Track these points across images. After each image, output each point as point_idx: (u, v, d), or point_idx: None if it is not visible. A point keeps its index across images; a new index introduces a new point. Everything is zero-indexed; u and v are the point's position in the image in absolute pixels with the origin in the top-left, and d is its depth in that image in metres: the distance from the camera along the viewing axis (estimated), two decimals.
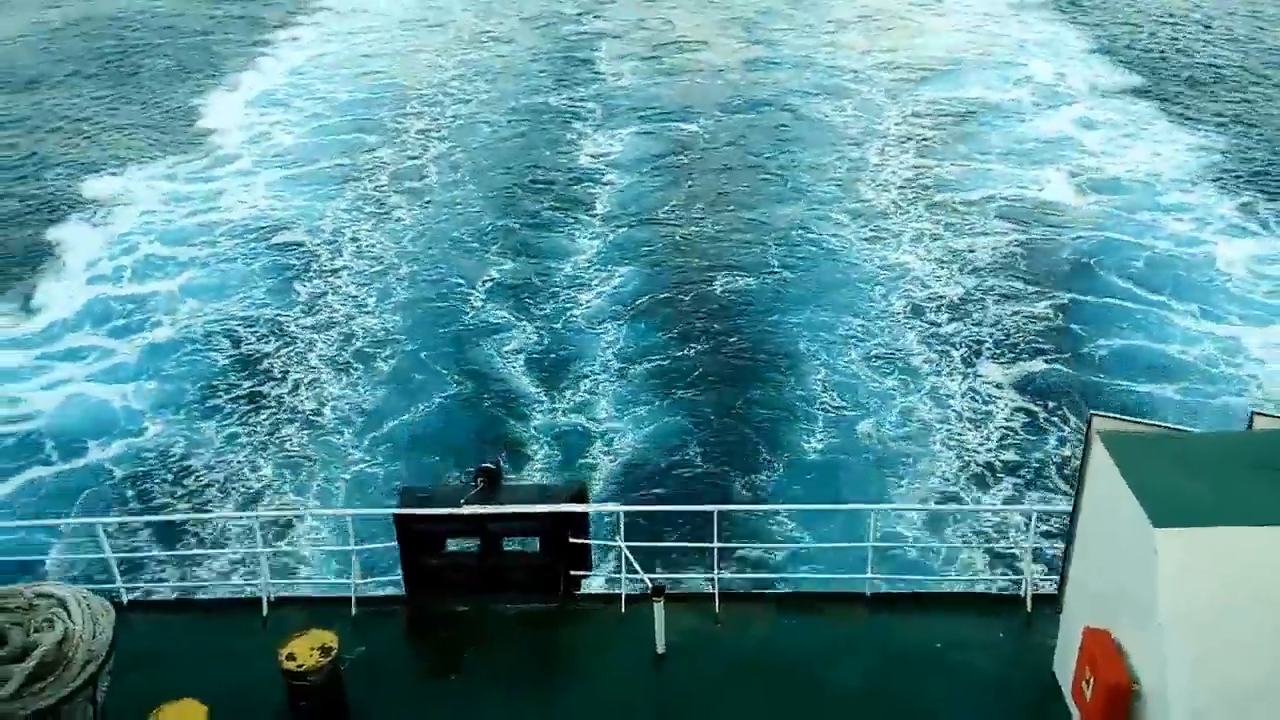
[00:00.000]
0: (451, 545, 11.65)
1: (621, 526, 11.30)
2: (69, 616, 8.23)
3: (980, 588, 16.54)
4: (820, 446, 21.58)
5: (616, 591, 11.16)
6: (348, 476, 21.34)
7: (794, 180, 33.04)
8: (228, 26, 49.93)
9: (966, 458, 21.16)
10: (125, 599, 11.57)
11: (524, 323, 26.09)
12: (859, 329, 25.25)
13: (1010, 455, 21.21)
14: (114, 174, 34.40)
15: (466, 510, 11.00)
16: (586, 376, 23.94)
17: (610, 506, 14.04)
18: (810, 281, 27.49)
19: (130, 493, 20.98)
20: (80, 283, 28.10)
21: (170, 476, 21.46)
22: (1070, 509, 9.30)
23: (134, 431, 22.86)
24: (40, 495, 21.02)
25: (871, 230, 29.69)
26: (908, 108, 38.09)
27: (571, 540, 11.23)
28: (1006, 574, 16.71)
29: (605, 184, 33.28)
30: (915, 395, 22.98)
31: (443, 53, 45.72)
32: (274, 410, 23.29)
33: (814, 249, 28.91)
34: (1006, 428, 21.95)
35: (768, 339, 25.07)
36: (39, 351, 25.48)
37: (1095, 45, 43.63)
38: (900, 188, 32.18)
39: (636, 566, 10.82)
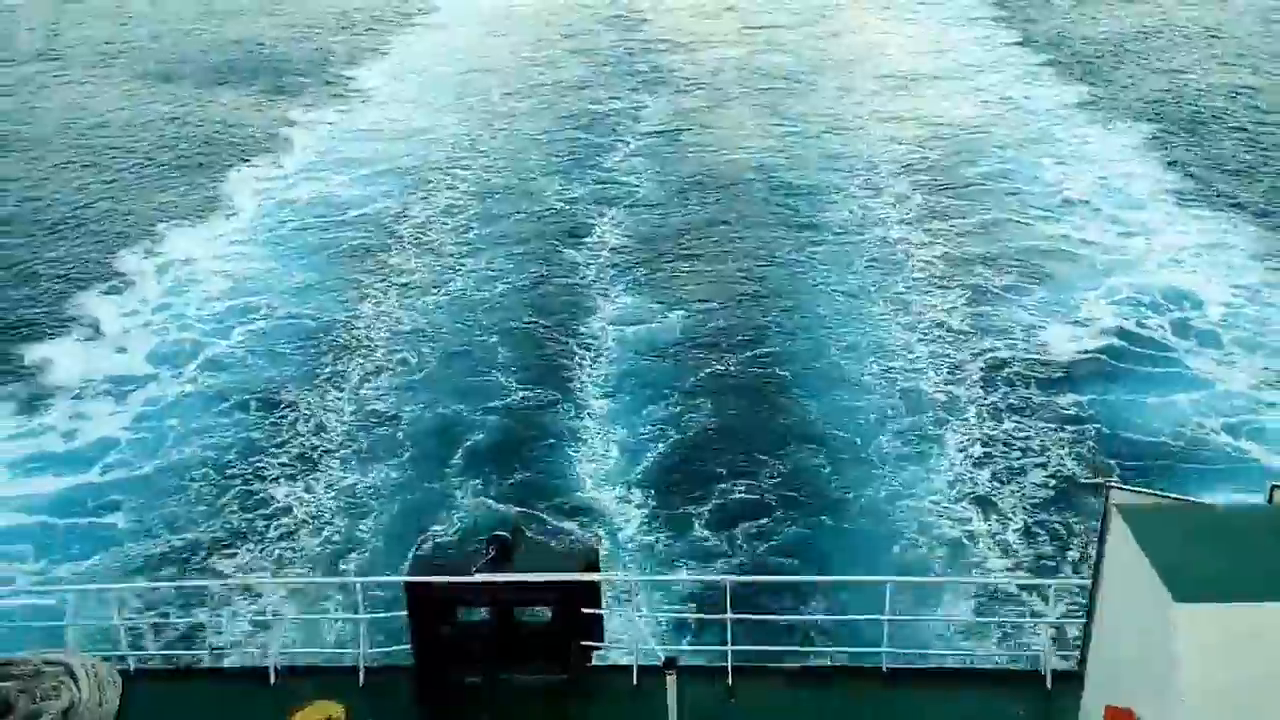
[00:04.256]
0: (462, 614, 11.55)
1: (634, 597, 11.21)
2: (76, 685, 8.19)
3: (999, 663, 16.25)
4: (836, 516, 21.41)
5: (629, 663, 11.02)
6: (357, 541, 21.26)
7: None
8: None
9: (982, 528, 20.96)
10: (133, 667, 11.48)
11: (539, 390, 26.17)
12: (877, 402, 25.19)
13: (1030, 526, 20.99)
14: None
15: (478, 579, 10.93)
16: (601, 446, 23.97)
17: (624, 576, 13.94)
18: (829, 349, 27.51)
19: (140, 558, 20.92)
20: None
21: (180, 542, 21.40)
22: (1089, 583, 9.16)
23: (143, 496, 22.88)
24: (49, 560, 20.97)
25: (899, 310, 29.77)
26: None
27: (584, 610, 11.13)
28: (1026, 649, 16.40)
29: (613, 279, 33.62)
30: (933, 465, 22.88)
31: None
32: (285, 475, 23.31)
33: (834, 324, 28.97)
34: (1025, 498, 21.77)
35: (782, 409, 25.08)
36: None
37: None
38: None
39: (649, 637, 10.72)
